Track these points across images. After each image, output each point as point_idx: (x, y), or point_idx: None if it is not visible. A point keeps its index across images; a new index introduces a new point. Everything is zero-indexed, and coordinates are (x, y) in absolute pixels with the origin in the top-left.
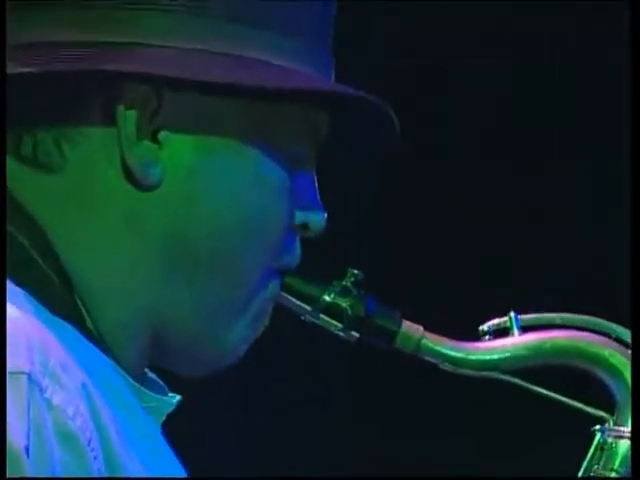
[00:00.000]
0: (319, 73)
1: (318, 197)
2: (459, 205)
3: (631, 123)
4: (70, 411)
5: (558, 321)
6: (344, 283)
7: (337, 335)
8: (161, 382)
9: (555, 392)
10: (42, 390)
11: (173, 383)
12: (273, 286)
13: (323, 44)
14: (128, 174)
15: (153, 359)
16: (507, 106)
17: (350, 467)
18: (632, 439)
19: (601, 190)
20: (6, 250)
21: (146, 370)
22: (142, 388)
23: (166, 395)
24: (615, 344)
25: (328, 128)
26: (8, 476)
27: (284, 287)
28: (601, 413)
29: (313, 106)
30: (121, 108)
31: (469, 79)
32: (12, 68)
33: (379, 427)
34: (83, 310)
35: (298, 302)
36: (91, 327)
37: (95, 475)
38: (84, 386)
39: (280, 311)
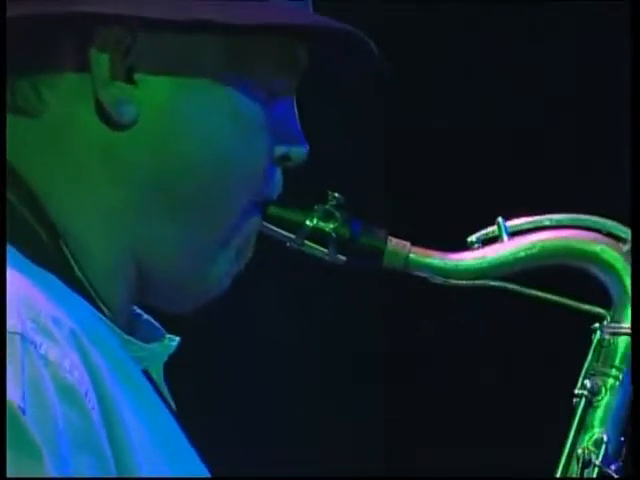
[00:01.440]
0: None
1: (299, 127)
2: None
3: (632, 123)
4: (66, 364)
5: (547, 223)
6: (326, 207)
7: (323, 260)
8: (157, 324)
9: (550, 293)
10: (37, 347)
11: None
12: (255, 219)
13: None
14: (103, 113)
15: (139, 299)
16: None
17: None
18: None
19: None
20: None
21: (141, 312)
22: (130, 338)
23: (163, 336)
24: (606, 239)
25: (307, 57)
26: (10, 438)
27: (266, 217)
28: (598, 310)
29: (292, 38)
30: (94, 50)
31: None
32: None
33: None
34: (70, 258)
35: (281, 230)
36: (79, 275)
37: (95, 426)
38: (73, 335)
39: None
